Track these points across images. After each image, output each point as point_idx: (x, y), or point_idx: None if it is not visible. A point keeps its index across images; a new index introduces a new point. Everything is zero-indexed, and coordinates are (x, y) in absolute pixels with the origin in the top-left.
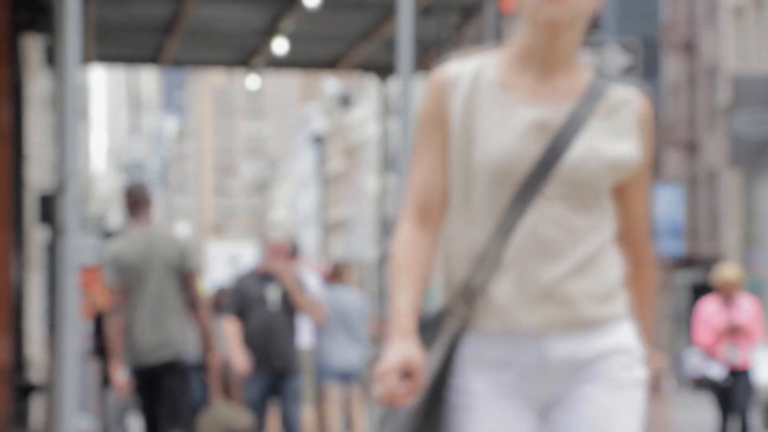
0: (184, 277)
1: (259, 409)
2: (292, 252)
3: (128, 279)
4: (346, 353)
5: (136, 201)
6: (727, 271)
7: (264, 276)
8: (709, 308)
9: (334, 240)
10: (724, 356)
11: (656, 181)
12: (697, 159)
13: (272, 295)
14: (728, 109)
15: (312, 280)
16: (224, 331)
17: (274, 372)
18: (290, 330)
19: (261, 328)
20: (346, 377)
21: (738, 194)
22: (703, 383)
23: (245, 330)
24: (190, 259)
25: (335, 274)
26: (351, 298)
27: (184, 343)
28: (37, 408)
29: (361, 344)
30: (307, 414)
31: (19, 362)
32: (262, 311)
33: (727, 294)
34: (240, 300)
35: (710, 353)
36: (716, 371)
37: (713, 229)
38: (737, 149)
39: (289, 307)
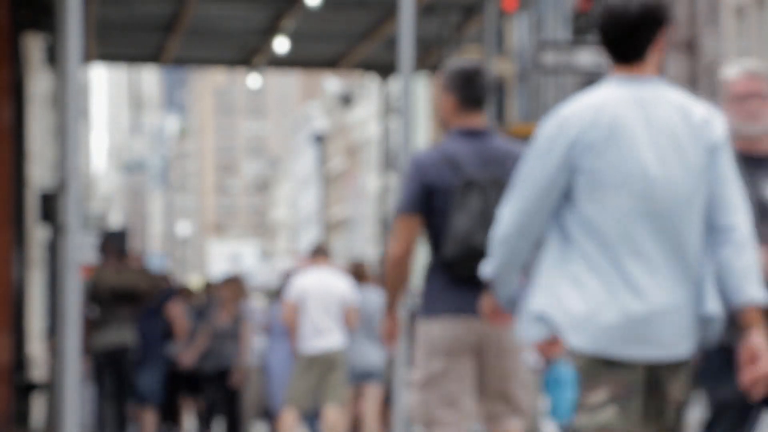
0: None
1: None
2: (322, 252)
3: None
4: (367, 354)
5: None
6: None
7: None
8: None
9: (334, 239)
10: None
11: None
12: None
13: None
14: None
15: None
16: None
17: None
18: None
19: None
20: (365, 377)
21: None
22: None
23: None
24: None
25: (358, 274)
26: (374, 298)
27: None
28: (38, 407)
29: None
30: (333, 415)
31: (19, 361)
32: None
33: None
34: None
35: None
36: None
37: None
38: None
39: None
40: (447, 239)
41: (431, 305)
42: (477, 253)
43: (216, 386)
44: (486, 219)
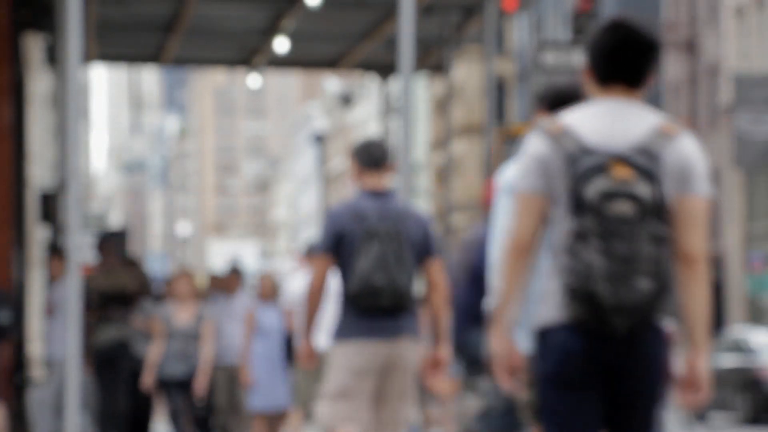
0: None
1: None
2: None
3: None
4: None
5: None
6: None
7: None
8: None
9: None
10: None
11: None
12: None
13: None
14: (729, 108)
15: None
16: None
17: None
18: None
19: None
20: None
21: (739, 193)
22: None
23: None
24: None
25: None
26: None
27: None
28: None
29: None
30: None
31: (19, 361)
32: None
33: None
34: None
35: None
36: None
37: (714, 229)
38: (740, 149)
39: None
40: (351, 278)
41: (342, 331)
42: (375, 290)
43: (179, 393)
44: (383, 263)
